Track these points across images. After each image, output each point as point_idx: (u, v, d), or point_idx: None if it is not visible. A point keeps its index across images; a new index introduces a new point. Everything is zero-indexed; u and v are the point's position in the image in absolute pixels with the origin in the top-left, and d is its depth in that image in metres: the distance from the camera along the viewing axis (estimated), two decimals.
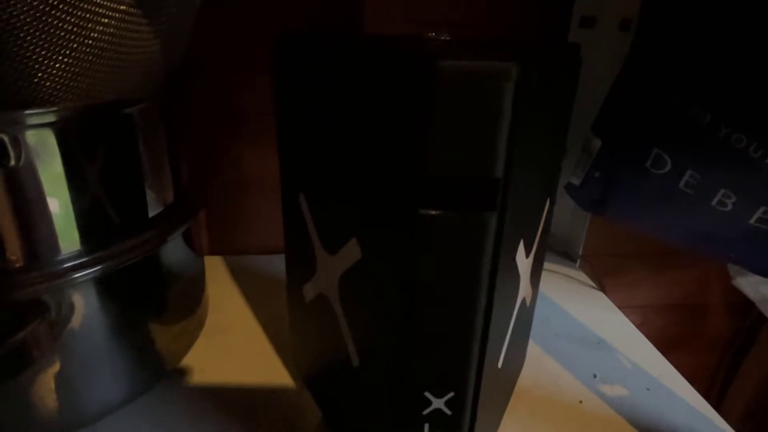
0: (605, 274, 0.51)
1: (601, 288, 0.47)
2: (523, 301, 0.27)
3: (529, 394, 0.34)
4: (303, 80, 0.24)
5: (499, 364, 0.25)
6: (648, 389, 0.35)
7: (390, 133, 0.18)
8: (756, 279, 0.44)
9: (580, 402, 0.33)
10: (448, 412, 0.21)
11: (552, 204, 0.29)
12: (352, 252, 0.22)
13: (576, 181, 0.42)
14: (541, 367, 0.36)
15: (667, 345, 0.62)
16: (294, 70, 0.25)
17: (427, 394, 0.21)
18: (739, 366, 0.64)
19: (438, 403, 0.21)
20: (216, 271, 0.46)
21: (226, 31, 0.42)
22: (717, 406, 0.67)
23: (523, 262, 0.24)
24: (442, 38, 0.23)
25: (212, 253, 0.49)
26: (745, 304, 0.49)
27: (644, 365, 0.37)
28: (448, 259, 0.19)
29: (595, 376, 0.36)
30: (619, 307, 0.45)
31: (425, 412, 0.21)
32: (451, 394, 0.21)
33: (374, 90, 0.19)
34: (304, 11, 0.42)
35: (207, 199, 0.48)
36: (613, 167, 0.38)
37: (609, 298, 0.46)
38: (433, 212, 0.18)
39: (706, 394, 0.67)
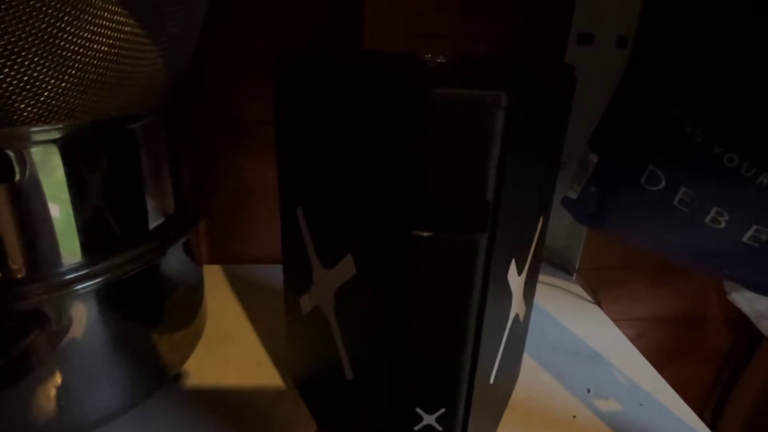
0: (603, 287, 0.51)
1: (597, 302, 0.48)
2: (516, 317, 0.28)
3: (524, 406, 0.34)
4: (302, 97, 0.25)
5: (491, 380, 0.25)
6: (641, 405, 0.35)
7: (383, 154, 0.19)
8: (751, 294, 0.44)
9: (574, 417, 0.33)
10: (440, 428, 0.21)
11: (546, 221, 0.30)
12: (347, 268, 0.23)
13: (573, 195, 0.42)
14: (535, 379, 0.36)
15: (664, 358, 0.62)
16: (293, 87, 0.25)
17: (419, 410, 0.21)
18: (737, 380, 0.63)
19: (429, 419, 0.21)
20: (215, 280, 0.47)
21: (229, 42, 0.43)
22: (715, 420, 0.66)
23: (515, 279, 0.25)
24: (438, 60, 0.24)
25: (211, 262, 0.50)
26: (742, 319, 0.50)
27: (638, 380, 0.37)
28: (440, 278, 0.19)
29: (588, 390, 0.36)
30: (617, 320, 0.45)
31: (417, 428, 0.21)
32: (442, 411, 0.21)
33: (369, 112, 0.19)
34: (305, 24, 0.43)
35: (207, 209, 0.48)
36: (609, 183, 0.39)
37: (606, 311, 0.46)
38: (425, 233, 0.18)
39: (703, 408, 0.66)
